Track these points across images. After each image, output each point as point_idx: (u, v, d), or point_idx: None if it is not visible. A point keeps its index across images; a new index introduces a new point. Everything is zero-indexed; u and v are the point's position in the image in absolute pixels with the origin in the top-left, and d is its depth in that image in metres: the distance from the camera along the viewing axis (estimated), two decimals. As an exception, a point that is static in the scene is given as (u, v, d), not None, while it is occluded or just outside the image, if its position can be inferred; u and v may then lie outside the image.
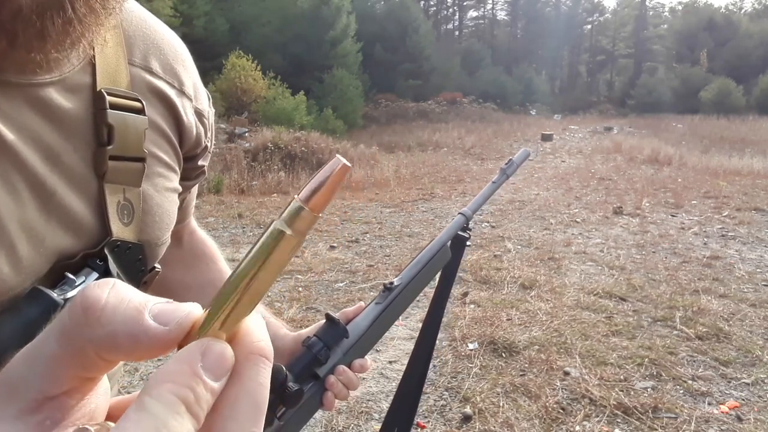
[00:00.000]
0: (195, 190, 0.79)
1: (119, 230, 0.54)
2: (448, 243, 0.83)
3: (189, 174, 0.70)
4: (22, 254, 0.47)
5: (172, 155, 0.63)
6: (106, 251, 0.52)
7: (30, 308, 0.46)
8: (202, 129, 0.67)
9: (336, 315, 0.71)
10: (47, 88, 0.48)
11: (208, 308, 0.21)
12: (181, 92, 0.63)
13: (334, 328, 0.69)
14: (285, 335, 0.79)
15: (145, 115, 0.56)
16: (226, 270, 0.83)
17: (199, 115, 0.67)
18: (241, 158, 11.73)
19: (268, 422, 0.60)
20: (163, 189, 0.61)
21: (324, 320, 0.71)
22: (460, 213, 0.86)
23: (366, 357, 0.73)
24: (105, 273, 0.52)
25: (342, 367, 0.70)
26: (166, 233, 0.63)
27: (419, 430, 2.48)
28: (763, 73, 36.02)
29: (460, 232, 0.86)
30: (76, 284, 0.49)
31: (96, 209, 0.53)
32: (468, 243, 0.87)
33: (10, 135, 0.46)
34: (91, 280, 0.50)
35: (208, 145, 0.71)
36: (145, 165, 0.57)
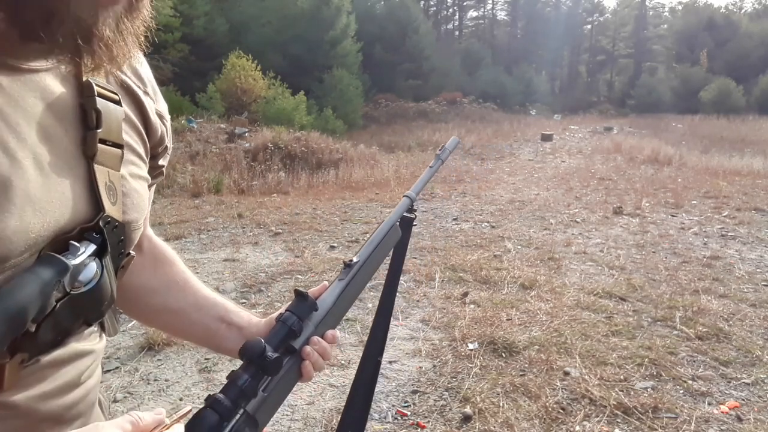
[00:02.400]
0: (152, 194, 0.81)
1: (109, 208, 0.58)
2: (398, 223, 0.91)
3: (150, 172, 0.74)
4: (29, 224, 0.50)
5: (141, 147, 0.69)
6: (101, 225, 0.57)
7: (45, 270, 0.50)
8: (164, 128, 0.73)
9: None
10: (42, 73, 0.54)
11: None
12: (146, 93, 0.70)
13: (303, 302, 0.75)
14: (258, 322, 0.85)
15: (121, 106, 0.62)
16: (186, 271, 0.87)
17: (160, 116, 0.73)
18: (241, 158, 11.73)
19: (252, 394, 0.65)
20: (137, 176, 0.67)
21: (294, 297, 0.76)
22: (405, 195, 0.95)
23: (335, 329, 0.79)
24: (101, 245, 0.56)
25: (316, 338, 0.75)
26: (142, 218, 0.68)
27: (419, 430, 2.48)
28: (763, 73, 36.00)
29: (406, 214, 0.94)
30: (79, 252, 0.53)
31: (88, 187, 0.57)
32: (414, 223, 0.96)
33: (14, 113, 0.51)
34: (90, 250, 0.54)
35: (168, 145, 0.76)
36: (123, 151, 0.62)
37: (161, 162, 0.76)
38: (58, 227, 0.53)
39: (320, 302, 0.78)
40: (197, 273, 4.63)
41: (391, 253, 0.95)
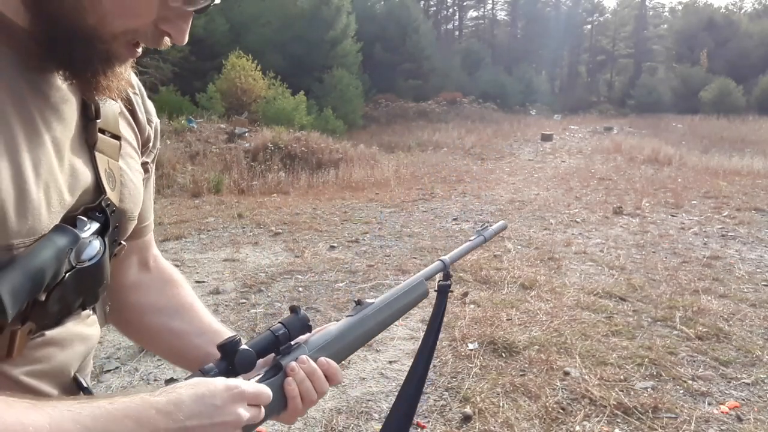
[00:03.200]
0: (151, 194, 0.83)
1: (109, 192, 0.64)
2: (426, 280, 0.87)
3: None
4: (51, 198, 0.56)
5: (134, 141, 0.74)
6: (103, 205, 0.63)
7: (60, 238, 0.56)
8: (150, 129, 0.78)
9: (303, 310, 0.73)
10: (54, 71, 0.60)
11: None
12: (135, 93, 0.75)
13: (296, 317, 0.71)
14: None
15: (117, 102, 0.69)
16: (193, 295, 0.88)
17: (148, 118, 0.77)
18: (241, 158, 11.73)
19: None
20: (134, 169, 0.72)
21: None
22: (439, 259, 0.90)
23: (337, 364, 0.73)
24: (104, 224, 0.63)
25: (305, 357, 0.70)
26: (137, 210, 0.72)
27: (419, 430, 2.48)
28: (763, 73, 35.95)
29: (442, 281, 0.91)
30: (86, 227, 0.60)
31: (91, 172, 0.63)
32: (451, 290, 0.93)
33: (38, 101, 0.57)
34: (94, 228, 0.61)
35: (150, 145, 0.79)
36: (120, 143, 0.68)
37: (144, 159, 0.78)
38: (71, 204, 0.59)
39: (322, 333, 0.74)
40: (197, 273, 4.64)
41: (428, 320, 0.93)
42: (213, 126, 14.01)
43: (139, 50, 0.61)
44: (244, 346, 0.65)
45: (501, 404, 2.64)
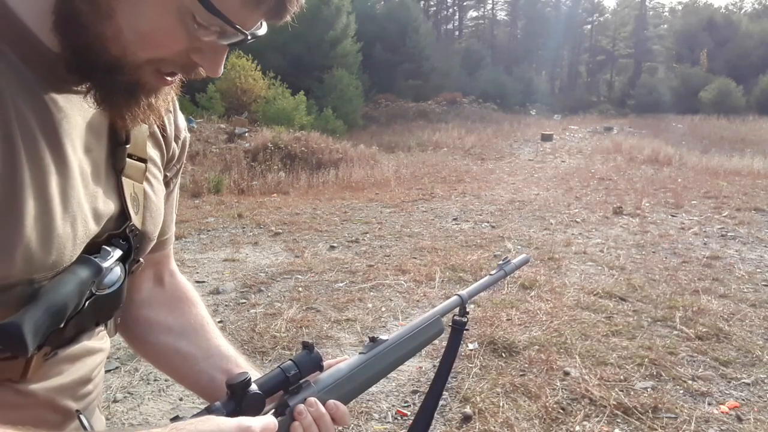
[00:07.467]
0: (171, 213, 0.81)
1: (133, 217, 0.63)
2: (442, 317, 0.84)
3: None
4: (77, 230, 0.55)
5: (160, 160, 0.73)
6: (127, 232, 0.62)
7: (83, 270, 0.55)
8: (177, 145, 0.76)
9: (316, 348, 0.71)
10: (83, 95, 0.58)
11: None
12: (168, 110, 0.73)
13: (308, 355, 0.69)
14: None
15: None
16: (205, 316, 0.85)
17: (176, 133, 0.75)
18: (241, 158, 11.73)
19: None
20: (157, 189, 0.71)
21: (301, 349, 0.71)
22: (457, 294, 0.87)
23: (344, 405, 0.71)
24: (127, 251, 0.62)
25: (313, 399, 0.68)
26: (157, 230, 0.71)
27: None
28: (763, 73, 35.93)
29: (457, 317, 0.87)
30: (109, 256, 0.58)
31: (116, 198, 0.62)
32: (466, 328, 0.89)
33: (68, 127, 0.56)
34: (117, 255, 0.60)
35: (175, 160, 0.77)
36: (147, 165, 0.67)
37: (166, 173, 0.77)
38: (96, 232, 0.58)
39: (333, 371, 0.72)
40: (197, 273, 4.64)
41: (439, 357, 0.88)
42: (213, 126, 14.01)
43: (172, 79, 0.58)
44: (253, 387, 0.63)
45: (501, 404, 2.64)
